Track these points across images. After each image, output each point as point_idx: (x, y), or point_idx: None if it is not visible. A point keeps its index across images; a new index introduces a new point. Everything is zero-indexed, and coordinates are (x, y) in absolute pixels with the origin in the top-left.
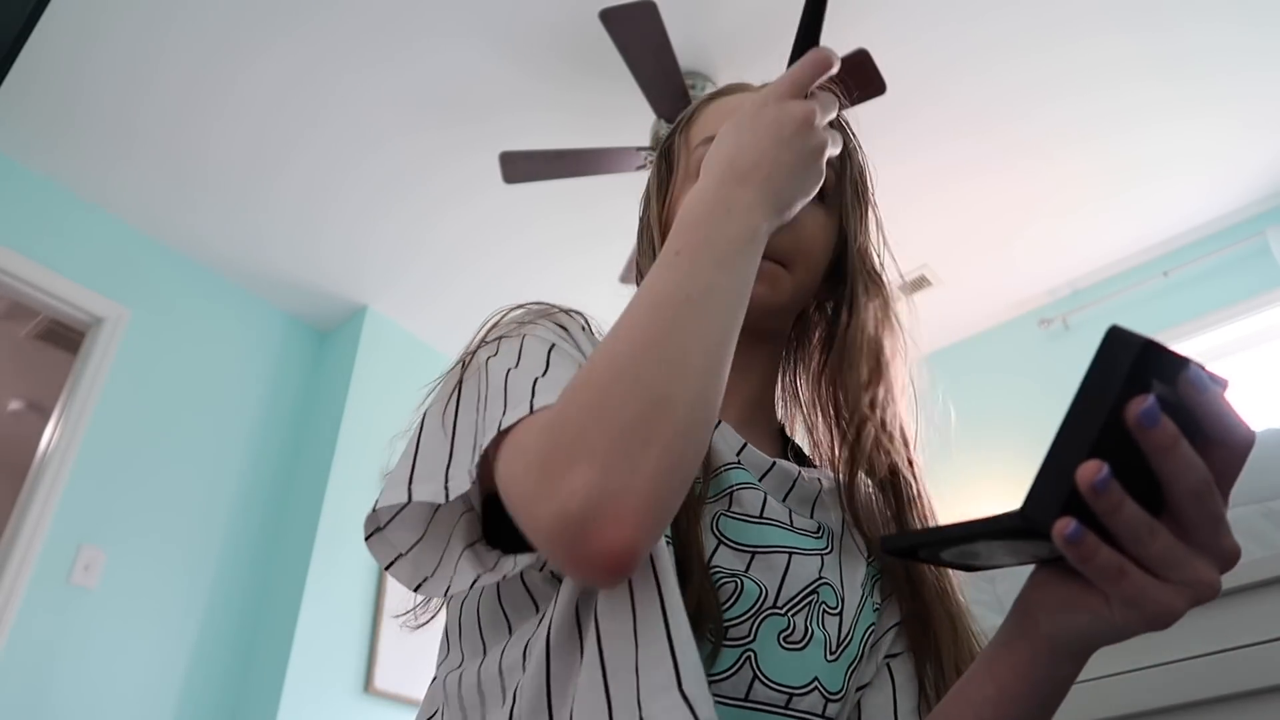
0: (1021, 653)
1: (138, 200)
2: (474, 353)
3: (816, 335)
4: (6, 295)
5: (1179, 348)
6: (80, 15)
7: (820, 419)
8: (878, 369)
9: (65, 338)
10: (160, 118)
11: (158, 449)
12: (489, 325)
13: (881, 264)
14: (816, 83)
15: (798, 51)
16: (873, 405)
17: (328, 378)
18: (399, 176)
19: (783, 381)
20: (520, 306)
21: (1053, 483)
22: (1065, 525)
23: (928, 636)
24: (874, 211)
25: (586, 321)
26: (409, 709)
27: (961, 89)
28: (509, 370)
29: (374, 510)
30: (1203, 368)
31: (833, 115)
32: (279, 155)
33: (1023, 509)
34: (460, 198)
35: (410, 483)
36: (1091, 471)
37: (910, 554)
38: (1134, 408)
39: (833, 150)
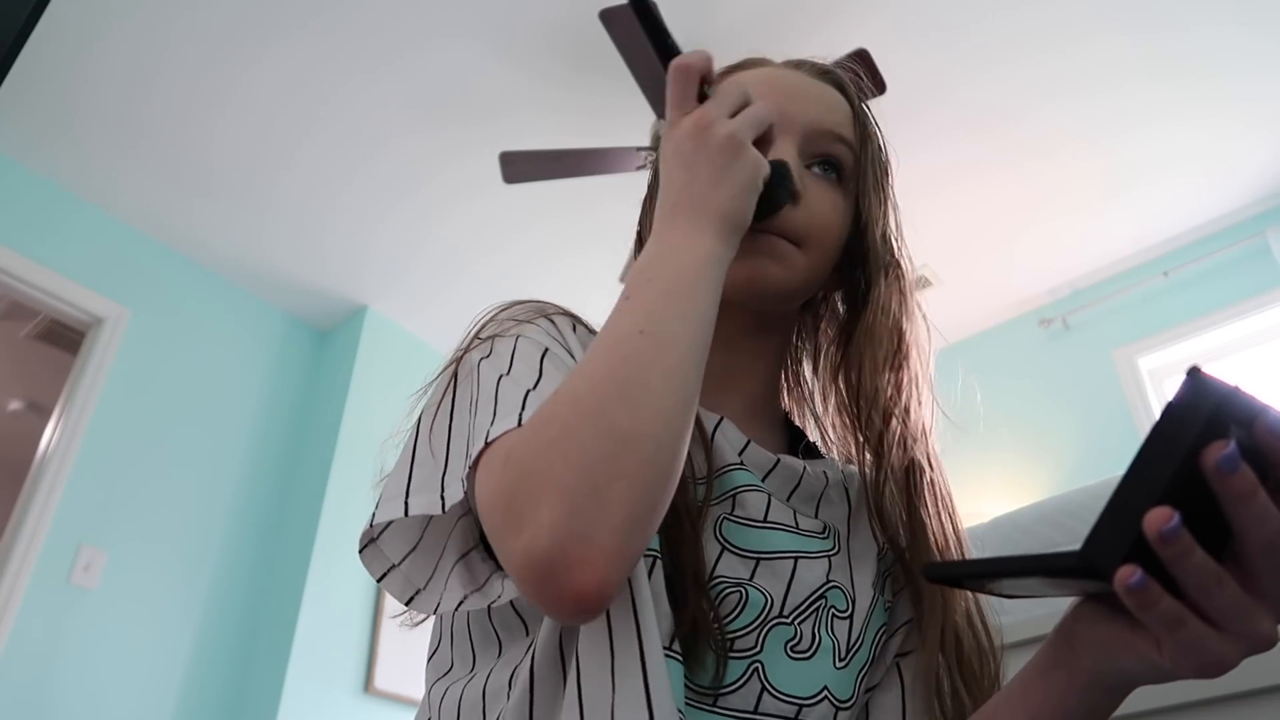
0: (1058, 683)
1: (138, 200)
2: (466, 351)
3: (824, 326)
4: (6, 295)
5: (1179, 348)
6: (82, 15)
7: (835, 412)
8: (899, 356)
9: (65, 338)
10: (162, 118)
11: (158, 449)
12: (481, 322)
13: (901, 251)
14: (699, 83)
15: (661, 70)
16: (895, 395)
17: (327, 378)
18: (400, 177)
19: (786, 375)
20: (514, 304)
21: (1118, 526)
22: (1129, 574)
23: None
24: (892, 197)
25: (578, 321)
26: (409, 709)
27: (963, 90)
28: (501, 377)
29: (369, 525)
30: None
31: (736, 102)
32: (280, 156)
33: (1083, 551)
34: (461, 198)
35: (407, 495)
36: (1161, 519)
37: (954, 582)
38: (1212, 453)
39: (767, 118)
